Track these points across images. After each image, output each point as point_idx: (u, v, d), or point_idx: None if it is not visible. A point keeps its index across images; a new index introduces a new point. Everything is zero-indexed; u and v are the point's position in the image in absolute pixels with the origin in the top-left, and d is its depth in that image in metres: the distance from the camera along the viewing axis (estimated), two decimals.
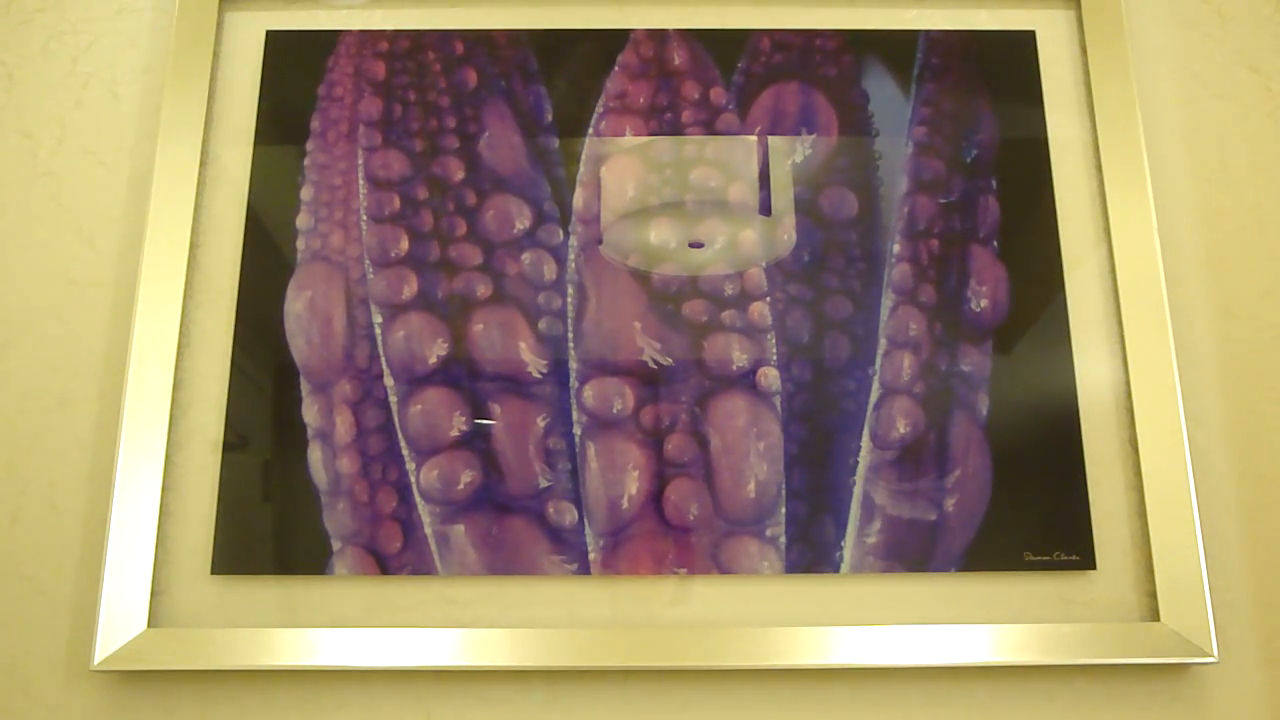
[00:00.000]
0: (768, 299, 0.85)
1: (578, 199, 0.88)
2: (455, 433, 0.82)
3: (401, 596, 0.79)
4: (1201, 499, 0.81)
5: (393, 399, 0.83)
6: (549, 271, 0.86)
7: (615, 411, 0.83)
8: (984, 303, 0.85)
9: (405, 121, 0.89)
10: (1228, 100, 0.93)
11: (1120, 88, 0.90)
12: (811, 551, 0.80)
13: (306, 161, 0.88)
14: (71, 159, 0.90)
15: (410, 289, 0.85)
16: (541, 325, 0.85)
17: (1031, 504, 0.81)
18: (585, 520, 0.80)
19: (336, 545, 0.80)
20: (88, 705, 0.78)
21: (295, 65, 0.91)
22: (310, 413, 0.82)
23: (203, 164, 0.88)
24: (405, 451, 0.82)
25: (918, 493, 0.81)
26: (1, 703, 0.78)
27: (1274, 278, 0.88)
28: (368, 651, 0.76)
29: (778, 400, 0.83)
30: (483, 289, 0.85)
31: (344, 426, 0.82)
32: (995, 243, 0.87)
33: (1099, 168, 0.89)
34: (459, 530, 0.80)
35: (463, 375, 0.83)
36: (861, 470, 0.81)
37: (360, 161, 0.88)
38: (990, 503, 0.81)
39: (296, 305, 0.85)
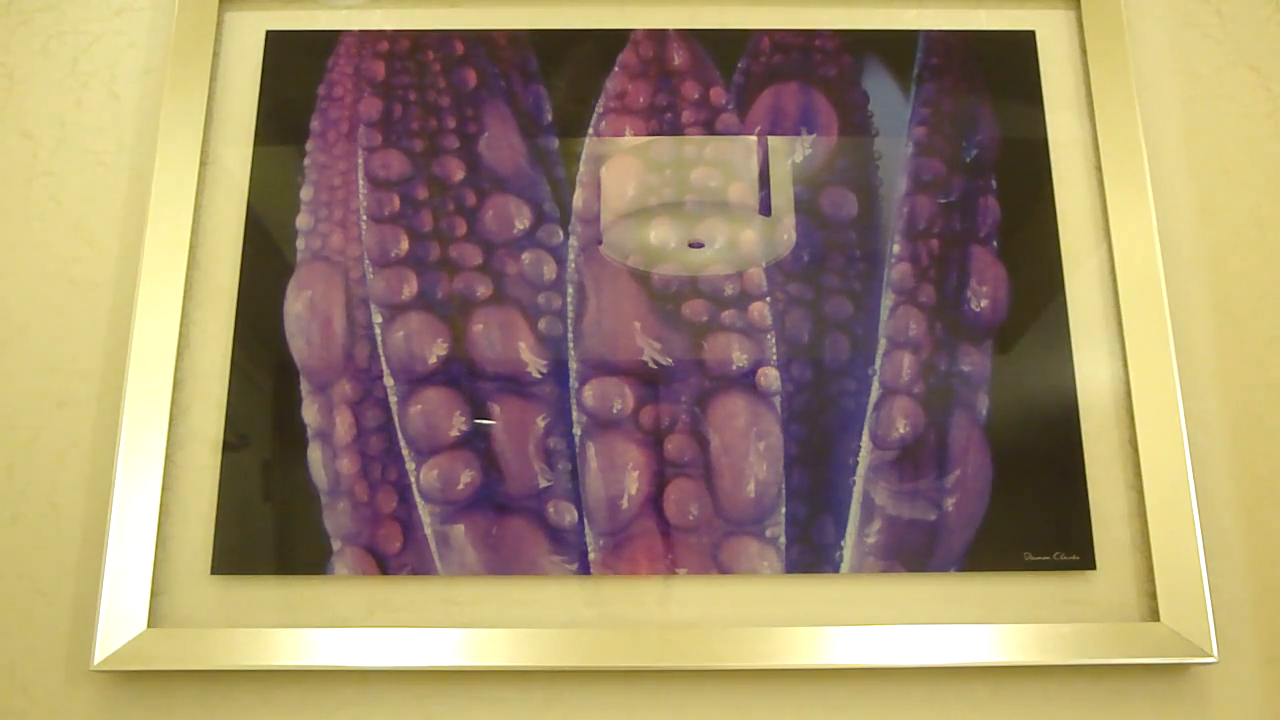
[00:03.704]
0: (768, 299, 0.85)
1: (578, 199, 0.88)
2: (455, 433, 0.82)
3: (401, 596, 0.79)
4: (1201, 499, 0.81)
5: (393, 399, 0.83)
6: (549, 271, 0.86)
7: (615, 411, 0.83)
8: (984, 303, 0.85)
9: (405, 121, 0.89)
10: (1228, 100, 0.93)
11: (1120, 88, 0.90)
12: (811, 551, 0.80)
13: (306, 161, 0.88)
14: (71, 159, 0.90)
15: (410, 289, 0.85)
16: (541, 325, 0.85)
17: (1031, 504, 0.81)
18: (585, 520, 0.80)
19: (336, 545, 0.80)
20: (88, 705, 0.78)
21: (295, 65, 0.91)
22: (310, 413, 0.82)
23: (203, 164, 0.88)
24: (405, 451, 0.82)
25: (918, 493, 0.81)
26: (1, 703, 0.78)
27: (1274, 278, 0.88)
28: (368, 651, 0.76)
29: (778, 400, 0.83)
30: (483, 289, 0.85)
31: (344, 426, 0.82)
32: (995, 243, 0.87)
33: (1099, 168, 0.89)
34: (459, 530, 0.80)
35: (463, 375, 0.83)
36: (861, 470, 0.81)
37: (360, 161, 0.88)
38: (990, 503, 0.81)
39: (296, 305, 0.85)
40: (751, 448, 0.82)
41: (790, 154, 0.89)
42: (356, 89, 0.90)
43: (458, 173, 0.88)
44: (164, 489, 0.80)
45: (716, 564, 0.80)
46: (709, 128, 0.89)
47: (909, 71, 0.91)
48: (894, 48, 0.92)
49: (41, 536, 0.81)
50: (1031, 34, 0.93)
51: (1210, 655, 0.76)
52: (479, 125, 0.89)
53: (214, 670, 0.77)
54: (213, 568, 0.79)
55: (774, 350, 0.84)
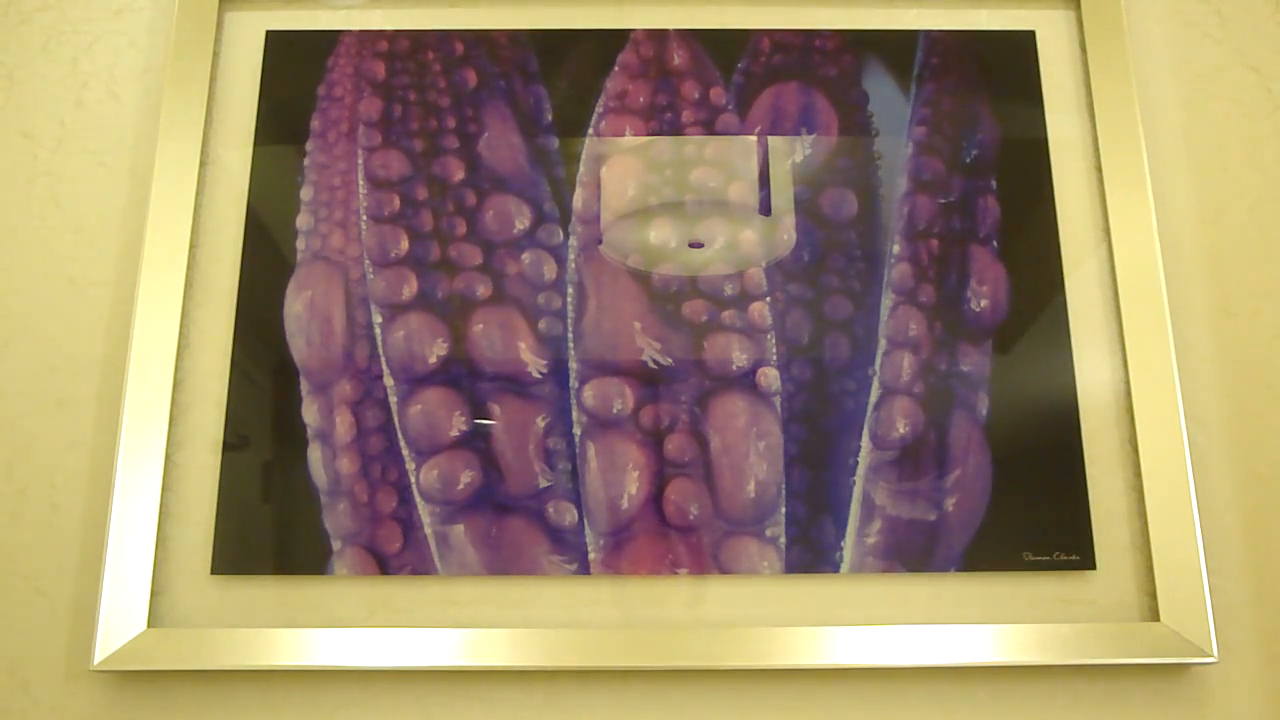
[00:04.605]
0: (768, 299, 0.85)
1: (578, 199, 0.88)
2: (455, 433, 0.82)
3: (401, 596, 0.79)
4: (1201, 499, 0.81)
5: (393, 399, 0.83)
6: (549, 271, 0.86)
7: (615, 411, 0.83)
8: (984, 303, 0.85)
9: (405, 121, 0.89)
10: (1228, 100, 0.93)
11: (1120, 88, 0.90)
12: (811, 551, 0.80)
13: (306, 161, 0.88)
14: (71, 159, 0.90)
15: (410, 289, 0.85)
16: (541, 325, 0.85)
17: (1031, 504, 0.81)
18: (585, 520, 0.80)
19: (336, 545, 0.80)
20: (88, 705, 0.78)
21: (295, 65, 0.91)
22: (310, 413, 0.82)
23: (203, 164, 0.88)
24: (405, 451, 0.82)
25: (917, 493, 0.81)
26: (1, 703, 0.78)
27: (1274, 278, 0.88)
28: (368, 651, 0.76)
29: (778, 400, 0.83)
30: (483, 289, 0.85)
31: (344, 426, 0.82)
32: (995, 243, 0.87)
33: (1099, 168, 0.89)
34: (459, 530, 0.80)
35: (463, 375, 0.83)
36: (861, 470, 0.81)
37: (360, 161, 0.88)
38: (990, 503, 0.81)
39: (296, 305, 0.85)
40: (751, 448, 0.82)
41: (790, 154, 0.89)
42: (356, 89, 0.90)
43: (458, 173, 0.88)
44: (164, 489, 0.80)
45: (717, 564, 0.80)
46: (709, 128, 0.89)
47: (909, 71, 0.91)
48: (894, 48, 0.92)
49: (41, 536, 0.81)
50: (1031, 34, 0.93)
51: (1210, 655, 0.76)
52: (479, 125, 0.89)
53: (214, 670, 0.77)
54: (212, 568, 0.79)
55: (774, 350, 0.84)
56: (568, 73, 0.91)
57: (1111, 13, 0.92)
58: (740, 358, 0.84)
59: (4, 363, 0.85)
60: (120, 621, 0.77)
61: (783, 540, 0.80)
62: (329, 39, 0.92)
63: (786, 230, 0.87)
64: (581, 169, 0.88)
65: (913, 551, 0.80)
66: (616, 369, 0.83)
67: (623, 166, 0.88)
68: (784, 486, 0.81)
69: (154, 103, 0.91)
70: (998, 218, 0.87)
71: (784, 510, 0.81)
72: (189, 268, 0.85)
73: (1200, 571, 0.78)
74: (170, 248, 0.85)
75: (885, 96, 0.90)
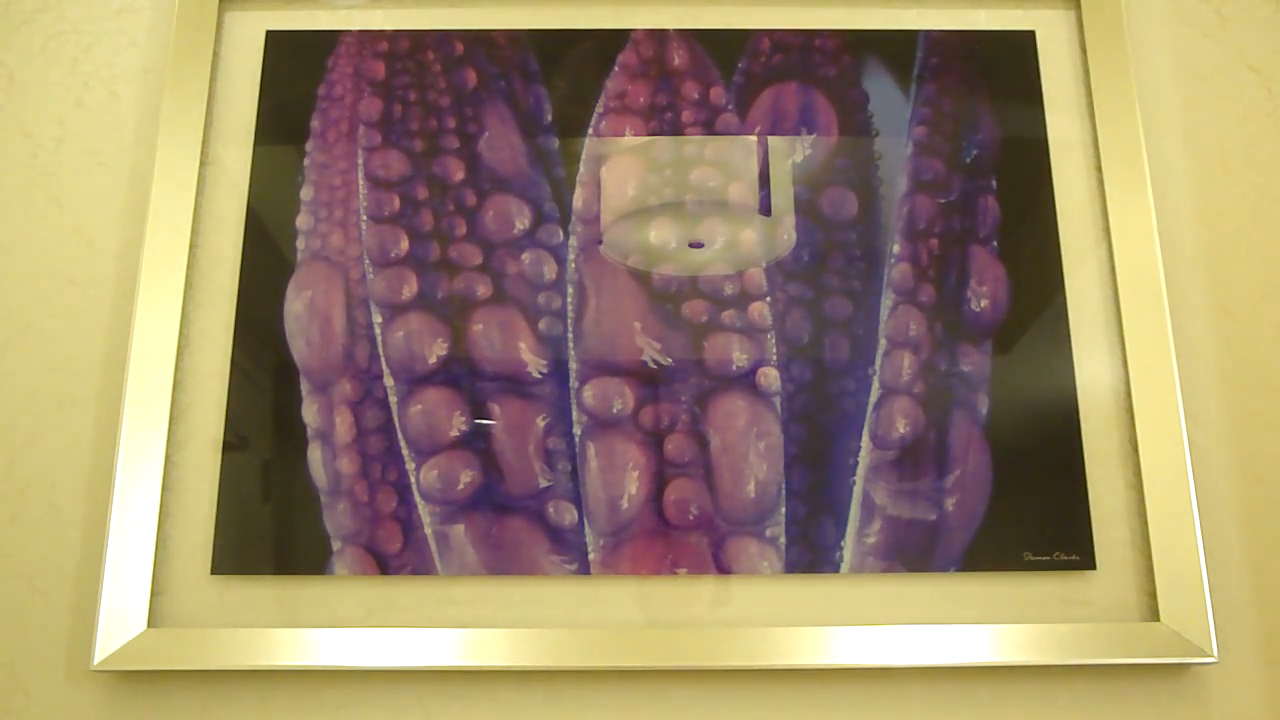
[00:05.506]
0: (768, 299, 0.85)
1: (578, 199, 0.88)
2: (455, 433, 0.82)
3: (401, 596, 0.79)
4: (1201, 499, 0.81)
5: (393, 399, 0.83)
6: (549, 271, 0.86)
7: (615, 411, 0.83)
8: (984, 303, 0.85)
9: (405, 121, 0.89)
10: (1228, 100, 0.93)
11: (1120, 88, 0.90)
12: (811, 551, 0.80)
13: (306, 161, 0.88)
14: (71, 159, 0.90)
15: (410, 289, 0.85)
16: (541, 325, 0.85)
17: (1031, 504, 0.81)
18: (585, 520, 0.80)
19: (336, 545, 0.80)
20: (88, 705, 0.78)
21: (295, 65, 0.91)
22: (310, 413, 0.82)
23: (203, 164, 0.88)
24: (405, 451, 0.82)
25: (917, 493, 0.81)
26: (1, 703, 0.78)
27: (1274, 278, 0.88)
28: (368, 651, 0.76)
29: (778, 400, 0.83)
30: (483, 289, 0.85)
31: (344, 426, 0.82)
32: (995, 243, 0.87)
33: (1099, 168, 0.89)
34: (459, 530, 0.80)
35: (463, 375, 0.83)
36: (861, 470, 0.81)
37: (360, 161, 0.88)
38: (990, 503, 0.81)
39: (296, 305, 0.85)
40: (751, 448, 0.82)
41: (790, 154, 0.89)
42: (356, 89, 0.90)
43: (458, 173, 0.88)
44: (164, 489, 0.80)
45: (717, 564, 0.80)
46: (709, 128, 0.89)
47: (909, 71, 0.91)
48: (894, 48, 0.92)
49: (41, 536, 0.81)
50: (1031, 34, 0.93)
51: (1210, 655, 0.76)
52: (479, 125, 0.89)
53: (214, 670, 0.77)
54: (213, 568, 0.79)
55: (774, 350, 0.84)
56: (568, 73, 0.91)
57: (1111, 13, 0.92)
58: (740, 358, 0.84)
59: (4, 363, 0.85)
60: (120, 621, 0.77)
61: (783, 540, 0.80)
62: (329, 39, 0.92)
63: (786, 230, 0.87)
64: (581, 169, 0.88)
65: (913, 551, 0.80)
66: (616, 369, 0.83)
67: (623, 166, 0.88)
68: (784, 486, 0.81)
69: (154, 103, 0.91)
70: (998, 218, 0.87)
71: (784, 510, 0.81)
72: (189, 268, 0.85)
73: (1200, 571, 0.78)
74: (170, 248, 0.85)
75: (885, 96, 0.91)
